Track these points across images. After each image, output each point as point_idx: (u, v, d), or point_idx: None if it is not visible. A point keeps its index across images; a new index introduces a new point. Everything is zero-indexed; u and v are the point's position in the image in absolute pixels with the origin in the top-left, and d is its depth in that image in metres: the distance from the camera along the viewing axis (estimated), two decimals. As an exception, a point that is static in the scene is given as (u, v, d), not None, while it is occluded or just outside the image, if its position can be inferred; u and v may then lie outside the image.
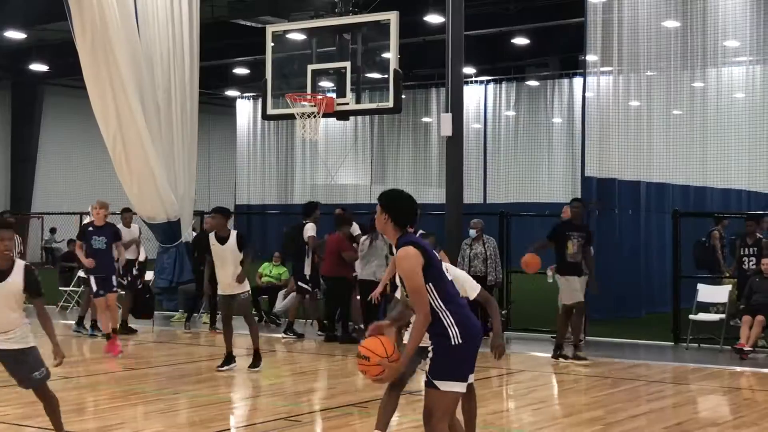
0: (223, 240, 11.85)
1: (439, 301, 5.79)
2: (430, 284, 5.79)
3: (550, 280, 14.56)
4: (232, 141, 38.83)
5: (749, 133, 20.77)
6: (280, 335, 15.34)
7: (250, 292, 12.16)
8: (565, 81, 33.55)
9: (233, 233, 11.95)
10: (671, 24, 19.01)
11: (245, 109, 38.89)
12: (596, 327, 15.18)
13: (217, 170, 38.24)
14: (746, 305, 13.60)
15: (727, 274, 15.83)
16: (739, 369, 12.41)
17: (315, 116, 14.80)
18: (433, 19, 24.02)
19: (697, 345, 14.16)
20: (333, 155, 35.45)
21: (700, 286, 14.80)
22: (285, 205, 37.21)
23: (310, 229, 14.96)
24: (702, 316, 14.36)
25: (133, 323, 16.03)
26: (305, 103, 15.09)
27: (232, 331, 12.02)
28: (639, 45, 18.29)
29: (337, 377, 12.16)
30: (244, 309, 12.08)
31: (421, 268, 5.74)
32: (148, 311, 16.74)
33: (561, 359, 12.81)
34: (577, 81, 32.11)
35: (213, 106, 37.01)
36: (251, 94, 37.89)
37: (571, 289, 12.89)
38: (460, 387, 5.85)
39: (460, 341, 5.74)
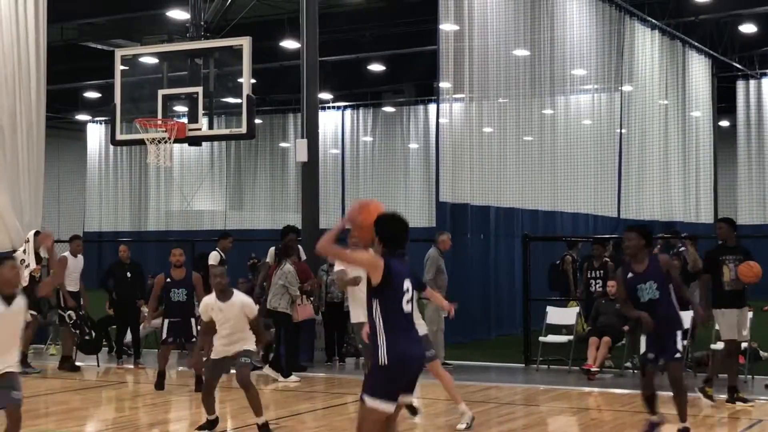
0: (9, 299, 7.49)
1: (380, 319, 6.16)
2: (377, 300, 6.19)
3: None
4: (84, 166, 37.82)
5: (596, 159, 21.47)
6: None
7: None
8: (421, 107, 34.02)
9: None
10: (521, 53, 19.49)
11: (96, 134, 37.87)
12: (449, 350, 15.29)
13: (68, 196, 37.13)
14: (593, 327, 13.96)
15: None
16: (587, 389, 12.67)
17: (166, 142, 14.52)
18: (290, 44, 23.99)
19: (546, 366, 14.46)
20: (189, 181, 34.89)
21: (549, 309, 15.12)
22: (138, 232, 36.39)
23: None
24: (551, 338, 14.67)
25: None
26: (156, 128, 14.80)
27: None
28: (490, 73, 18.66)
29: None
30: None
31: (374, 277, 6.19)
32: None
33: (739, 402, 11.07)
34: (432, 107, 32.56)
35: (63, 130, 35.98)
36: (102, 119, 36.95)
37: (727, 325, 11.24)
38: (383, 406, 6.09)
39: (386, 362, 6.07)
